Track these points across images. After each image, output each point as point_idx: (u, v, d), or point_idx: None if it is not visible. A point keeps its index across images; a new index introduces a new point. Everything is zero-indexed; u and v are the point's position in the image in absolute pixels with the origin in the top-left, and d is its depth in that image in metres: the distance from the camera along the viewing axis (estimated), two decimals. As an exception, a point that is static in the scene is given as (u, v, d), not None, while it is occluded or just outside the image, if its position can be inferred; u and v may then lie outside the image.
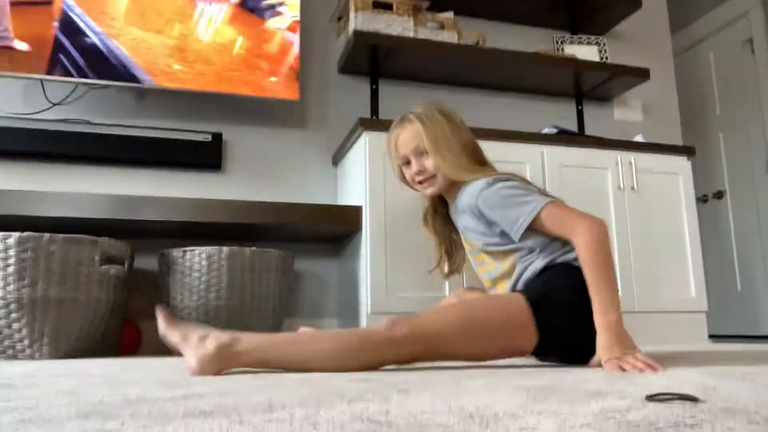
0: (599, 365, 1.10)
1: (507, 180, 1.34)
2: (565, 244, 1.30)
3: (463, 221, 1.43)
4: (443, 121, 1.42)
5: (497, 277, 1.40)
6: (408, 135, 1.44)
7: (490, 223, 1.34)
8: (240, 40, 2.29)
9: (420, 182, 1.46)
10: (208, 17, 2.27)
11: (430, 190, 1.46)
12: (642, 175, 2.37)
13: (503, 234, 1.33)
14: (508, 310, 1.20)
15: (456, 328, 1.15)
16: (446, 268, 1.61)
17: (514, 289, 1.34)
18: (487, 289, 1.48)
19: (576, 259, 1.25)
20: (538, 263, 1.29)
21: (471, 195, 1.35)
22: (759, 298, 3.26)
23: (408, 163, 1.47)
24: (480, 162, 1.45)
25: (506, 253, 1.35)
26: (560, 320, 1.19)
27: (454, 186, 1.43)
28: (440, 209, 1.57)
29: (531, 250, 1.31)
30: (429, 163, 1.42)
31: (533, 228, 1.28)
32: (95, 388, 0.84)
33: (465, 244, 1.50)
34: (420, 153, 1.43)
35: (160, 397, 0.72)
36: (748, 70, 3.42)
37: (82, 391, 0.80)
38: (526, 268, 1.31)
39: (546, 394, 0.70)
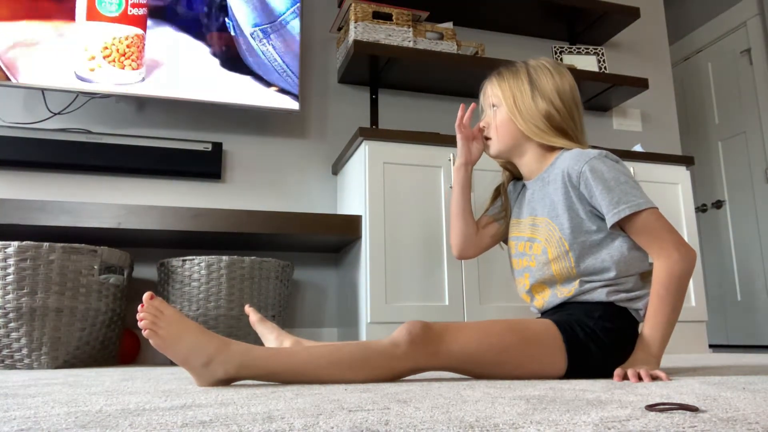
0: (624, 377, 1.06)
1: (620, 162, 1.23)
2: (643, 278, 1.21)
3: (545, 193, 1.28)
4: (525, 81, 1.32)
5: (540, 280, 1.26)
6: (488, 89, 1.38)
7: (580, 200, 1.21)
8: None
9: (485, 138, 1.38)
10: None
11: (491, 150, 1.37)
12: (641, 185, 2.37)
13: (590, 220, 1.21)
14: (540, 349, 1.11)
15: (484, 351, 1.08)
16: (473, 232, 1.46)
17: (561, 305, 1.23)
18: (522, 292, 1.35)
19: (641, 310, 1.18)
20: (601, 294, 1.18)
21: (577, 159, 1.21)
22: (759, 307, 3.26)
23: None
24: (567, 137, 1.31)
25: (582, 250, 1.20)
26: (597, 362, 1.13)
27: (531, 155, 1.33)
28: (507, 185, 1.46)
29: (603, 270, 1.19)
30: (497, 118, 1.33)
31: (622, 224, 1.17)
32: (94, 398, 0.84)
33: (517, 227, 1.36)
34: (493, 107, 1.36)
35: (159, 406, 0.72)
36: (746, 79, 3.44)
37: (81, 401, 0.80)
38: (585, 290, 1.19)
39: (545, 404, 0.70)
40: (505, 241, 1.45)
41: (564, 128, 1.30)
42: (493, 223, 1.47)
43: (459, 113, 1.42)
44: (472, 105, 1.45)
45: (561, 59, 2.86)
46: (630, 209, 1.15)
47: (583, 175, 1.19)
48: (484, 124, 1.39)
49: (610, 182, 1.17)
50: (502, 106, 1.33)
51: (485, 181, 1.63)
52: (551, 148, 1.31)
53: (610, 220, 1.16)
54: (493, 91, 1.36)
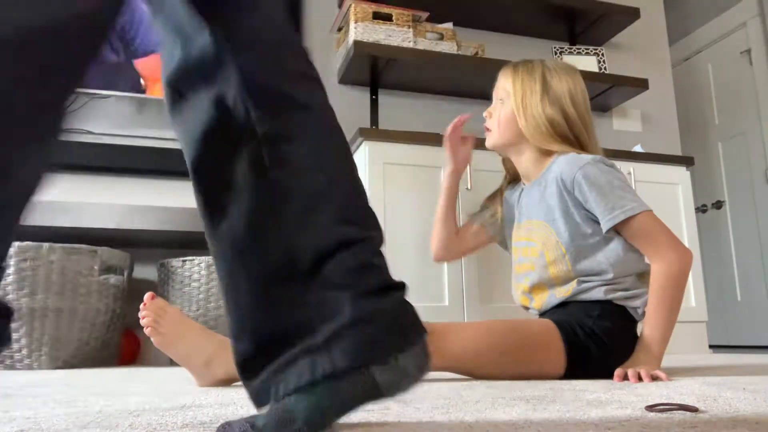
0: (624, 378, 1.06)
1: (614, 166, 1.23)
2: (640, 278, 1.21)
3: (542, 197, 1.27)
4: (538, 82, 1.30)
5: (539, 282, 1.26)
6: (501, 80, 1.37)
7: (575, 205, 1.22)
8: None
9: (486, 128, 1.38)
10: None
11: (488, 141, 1.37)
12: (641, 186, 2.37)
13: (585, 223, 1.21)
14: (540, 349, 1.11)
15: (484, 351, 1.08)
16: (454, 233, 1.49)
17: (559, 306, 1.22)
18: (520, 295, 1.33)
19: (639, 308, 1.19)
20: (599, 293, 1.18)
21: (571, 164, 1.21)
22: (759, 308, 3.26)
23: None
24: (569, 143, 1.29)
25: (578, 253, 1.20)
26: (597, 362, 1.13)
27: (529, 156, 1.32)
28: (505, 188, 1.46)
29: (600, 272, 1.19)
30: (502, 112, 1.33)
31: (618, 228, 1.18)
32: (94, 398, 0.84)
33: (517, 232, 1.35)
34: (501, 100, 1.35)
35: (159, 407, 0.72)
36: (746, 80, 3.44)
37: (81, 402, 0.80)
38: (583, 290, 1.19)
39: (545, 405, 0.70)
40: (504, 246, 1.46)
41: (567, 135, 1.28)
42: (482, 229, 1.49)
43: (449, 127, 1.49)
44: (465, 116, 1.51)
45: (561, 59, 2.86)
46: (624, 214, 1.16)
47: (577, 181, 1.20)
48: (486, 114, 1.39)
49: (604, 187, 1.18)
50: (509, 101, 1.32)
51: (486, 183, 1.64)
52: (549, 152, 1.31)
53: (605, 225, 1.17)
54: (504, 84, 1.35)
